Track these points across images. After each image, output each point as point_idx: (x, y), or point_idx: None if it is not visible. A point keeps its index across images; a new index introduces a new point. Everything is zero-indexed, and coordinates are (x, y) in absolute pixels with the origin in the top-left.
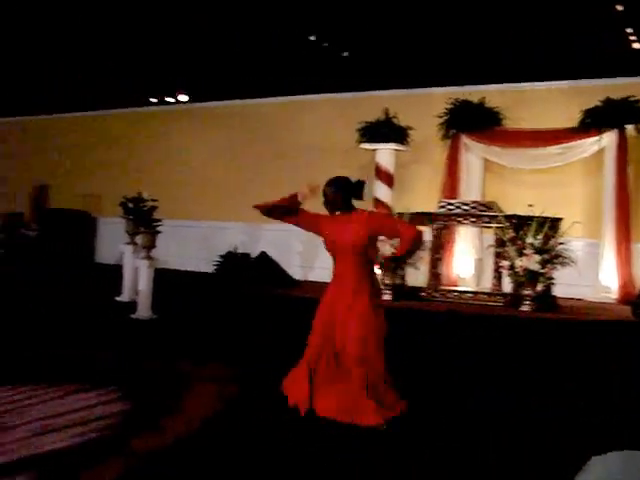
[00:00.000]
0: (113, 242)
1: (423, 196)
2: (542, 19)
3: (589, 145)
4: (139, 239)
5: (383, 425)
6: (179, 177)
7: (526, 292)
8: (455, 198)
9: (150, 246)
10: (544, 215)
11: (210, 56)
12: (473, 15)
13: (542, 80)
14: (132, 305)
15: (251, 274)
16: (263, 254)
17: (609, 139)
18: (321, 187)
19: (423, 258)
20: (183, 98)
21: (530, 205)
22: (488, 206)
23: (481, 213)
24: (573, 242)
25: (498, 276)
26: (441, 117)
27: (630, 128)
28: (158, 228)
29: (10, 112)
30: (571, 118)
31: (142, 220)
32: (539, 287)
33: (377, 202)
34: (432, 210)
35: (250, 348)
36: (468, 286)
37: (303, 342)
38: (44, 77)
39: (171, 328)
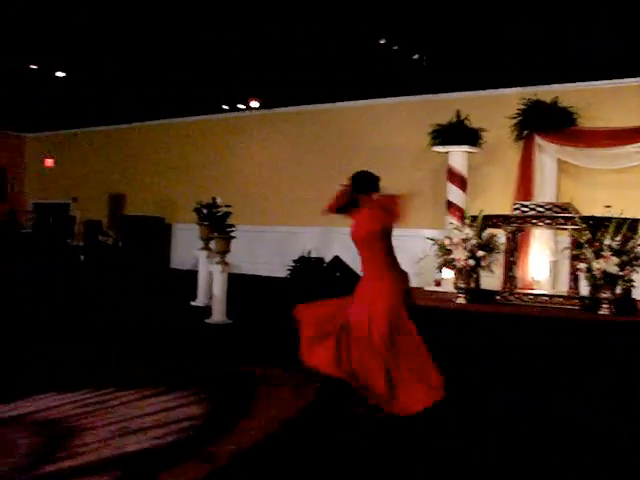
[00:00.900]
0: (188, 248)
1: (496, 198)
2: (616, 14)
3: None
4: (213, 244)
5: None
6: (252, 182)
7: (604, 295)
8: (529, 200)
9: (224, 251)
10: (622, 216)
11: (281, 62)
12: (544, 13)
13: (618, 77)
14: (207, 310)
15: (324, 279)
16: (336, 258)
17: None
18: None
19: (497, 261)
20: (255, 104)
21: (607, 206)
22: (563, 207)
23: (557, 215)
24: None
25: (575, 279)
26: (514, 118)
27: None
28: (232, 233)
29: (85, 122)
30: None
31: (216, 226)
32: (618, 290)
33: (450, 205)
34: (506, 212)
35: None
36: (543, 289)
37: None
38: (120, 88)
39: (245, 333)
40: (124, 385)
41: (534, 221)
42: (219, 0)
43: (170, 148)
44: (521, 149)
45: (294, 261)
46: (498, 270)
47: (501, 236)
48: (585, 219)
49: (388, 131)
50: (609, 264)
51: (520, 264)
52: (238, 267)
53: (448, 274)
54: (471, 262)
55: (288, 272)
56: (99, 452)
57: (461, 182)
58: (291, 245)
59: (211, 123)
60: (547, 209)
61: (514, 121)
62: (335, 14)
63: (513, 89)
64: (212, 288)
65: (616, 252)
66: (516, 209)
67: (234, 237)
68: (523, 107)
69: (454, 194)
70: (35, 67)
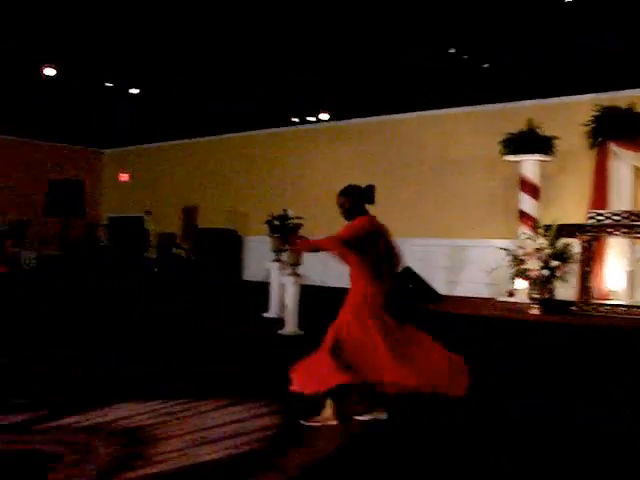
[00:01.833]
0: (259, 260)
1: (570, 207)
2: None
3: None
4: (285, 256)
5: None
6: (322, 194)
7: None
8: (604, 208)
9: (296, 263)
10: None
11: (351, 74)
12: (614, 17)
13: None
14: (279, 321)
15: (396, 289)
16: (408, 269)
17: None
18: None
19: (572, 271)
20: (324, 117)
21: None
22: None
23: (634, 223)
24: None
25: None
26: (587, 125)
27: None
28: None
29: (159, 137)
30: None
31: (287, 237)
32: None
33: (522, 214)
34: (580, 222)
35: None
36: (620, 299)
37: None
38: (191, 103)
39: (316, 344)
40: (197, 396)
41: (610, 230)
42: (291, 17)
43: (241, 161)
44: (595, 157)
45: None
46: (573, 280)
47: (575, 246)
48: None
49: (459, 141)
50: None
51: (596, 274)
52: (310, 279)
53: (521, 284)
54: (545, 272)
55: None
56: (176, 461)
57: (534, 191)
58: None
59: (282, 136)
60: (623, 217)
61: (587, 128)
62: (405, 24)
63: (586, 95)
64: (284, 300)
65: None
66: (591, 218)
67: None
68: (597, 114)
69: (526, 203)
70: (110, 85)
